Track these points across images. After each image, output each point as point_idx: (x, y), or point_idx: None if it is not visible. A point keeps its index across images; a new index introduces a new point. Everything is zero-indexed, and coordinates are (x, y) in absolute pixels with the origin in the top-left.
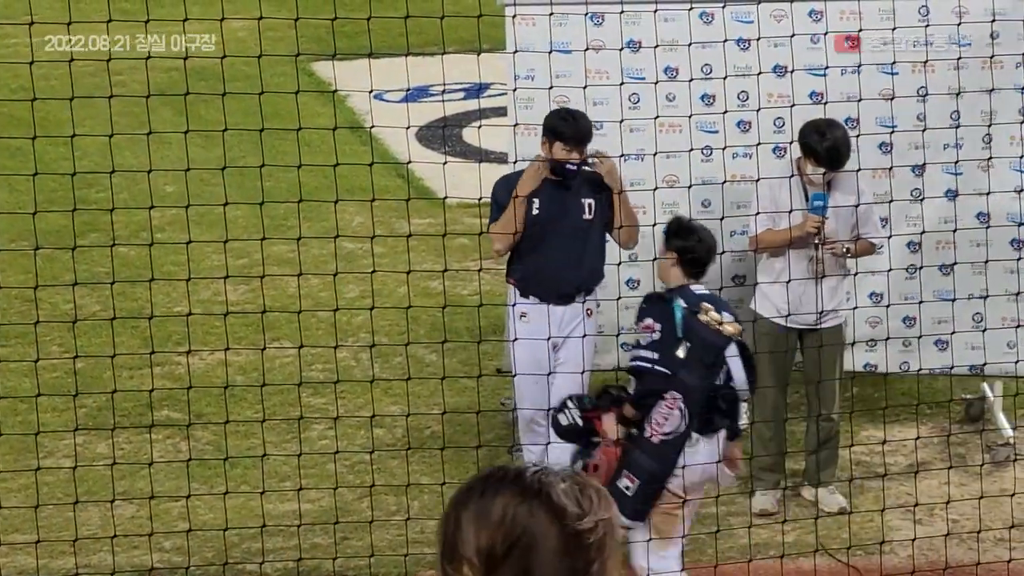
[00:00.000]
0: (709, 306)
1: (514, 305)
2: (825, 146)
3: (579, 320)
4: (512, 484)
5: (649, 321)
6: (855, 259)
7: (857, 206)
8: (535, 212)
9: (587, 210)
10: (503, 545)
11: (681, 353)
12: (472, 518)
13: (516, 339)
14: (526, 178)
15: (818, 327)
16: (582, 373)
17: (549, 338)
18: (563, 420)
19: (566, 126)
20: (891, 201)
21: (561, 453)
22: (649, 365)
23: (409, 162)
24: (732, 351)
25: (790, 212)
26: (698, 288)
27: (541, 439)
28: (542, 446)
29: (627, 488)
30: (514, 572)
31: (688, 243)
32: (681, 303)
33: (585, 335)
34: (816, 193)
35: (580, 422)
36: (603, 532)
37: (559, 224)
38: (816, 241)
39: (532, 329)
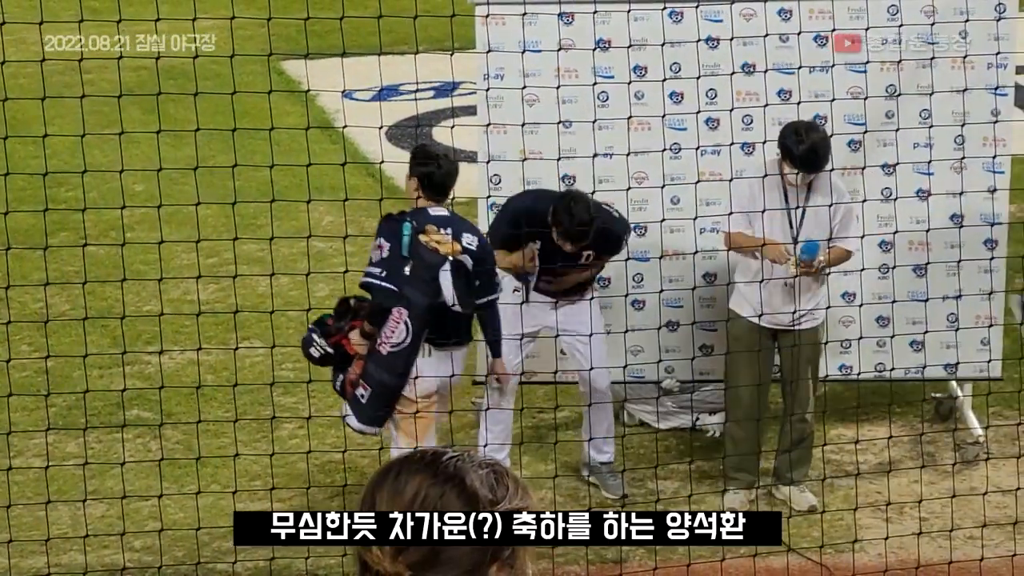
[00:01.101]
0: (433, 227)
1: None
2: (802, 149)
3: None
4: (427, 467)
5: (380, 240)
6: (829, 267)
7: (831, 205)
8: (536, 250)
9: (584, 258)
10: None
11: (407, 271)
12: (385, 498)
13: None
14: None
15: (795, 328)
16: (591, 336)
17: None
18: (315, 353)
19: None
20: (864, 200)
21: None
22: (377, 281)
23: (382, 162)
24: (445, 268)
25: (763, 212)
26: (437, 210)
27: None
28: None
29: (361, 396)
30: (422, 555)
31: (428, 168)
32: (411, 224)
33: (593, 297)
34: (808, 243)
35: (331, 349)
36: None
37: (555, 262)
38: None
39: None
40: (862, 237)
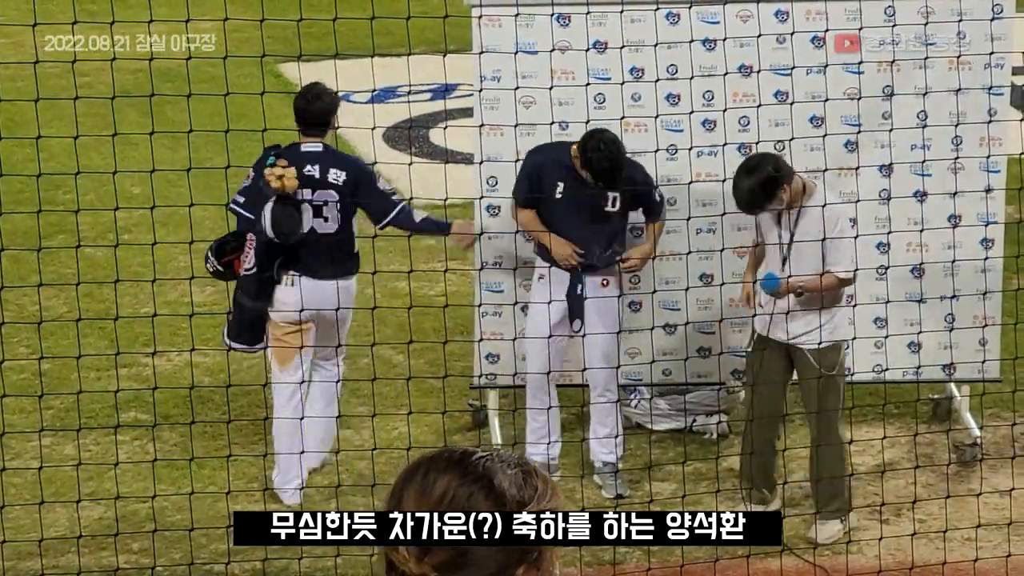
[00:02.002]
0: (282, 161)
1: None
2: (736, 195)
3: (596, 289)
4: (456, 466)
5: (251, 169)
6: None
7: (822, 240)
8: (557, 195)
9: (611, 202)
10: None
11: (264, 199)
12: (414, 497)
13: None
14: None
15: (799, 344)
16: (617, 333)
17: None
18: (209, 268)
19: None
20: (858, 201)
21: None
22: (237, 208)
23: (374, 163)
24: (271, 202)
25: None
26: (310, 145)
27: (544, 412)
28: (544, 416)
29: (229, 315)
30: (448, 556)
31: (299, 103)
32: (273, 157)
33: (616, 295)
34: (767, 279)
35: (221, 267)
36: None
37: (580, 209)
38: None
39: (548, 292)
40: (856, 237)
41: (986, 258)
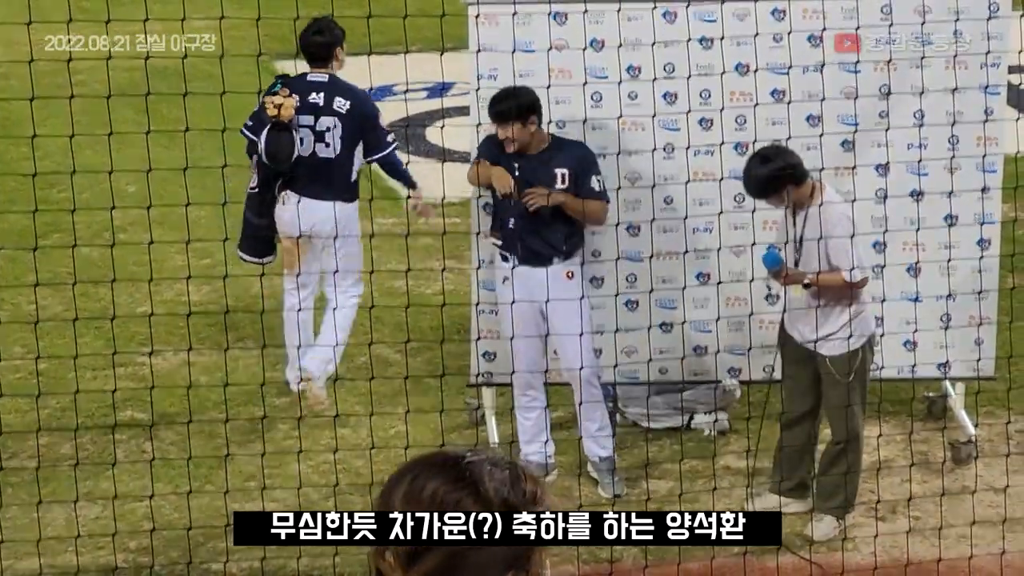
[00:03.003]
0: (284, 90)
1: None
2: (744, 179)
3: (561, 283)
4: (445, 470)
5: (261, 96)
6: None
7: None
8: (515, 175)
9: (560, 179)
10: None
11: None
12: (402, 500)
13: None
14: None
15: (816, 350)
16: (581, 335)
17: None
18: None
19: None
20: (854, 200)
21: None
22: (245, 131)
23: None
24: (268, 127)
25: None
26: (316, 75)
27: (534, 410)
28: (534, 414)
29: (243, 228)
30: (437, 564)
31: (304, 38)
32: (279, 84)
33: (582, 296)
34: (768, 253)
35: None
36: None
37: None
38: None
39: (516, 292)
40: (852, 236)
41: (982, 257)
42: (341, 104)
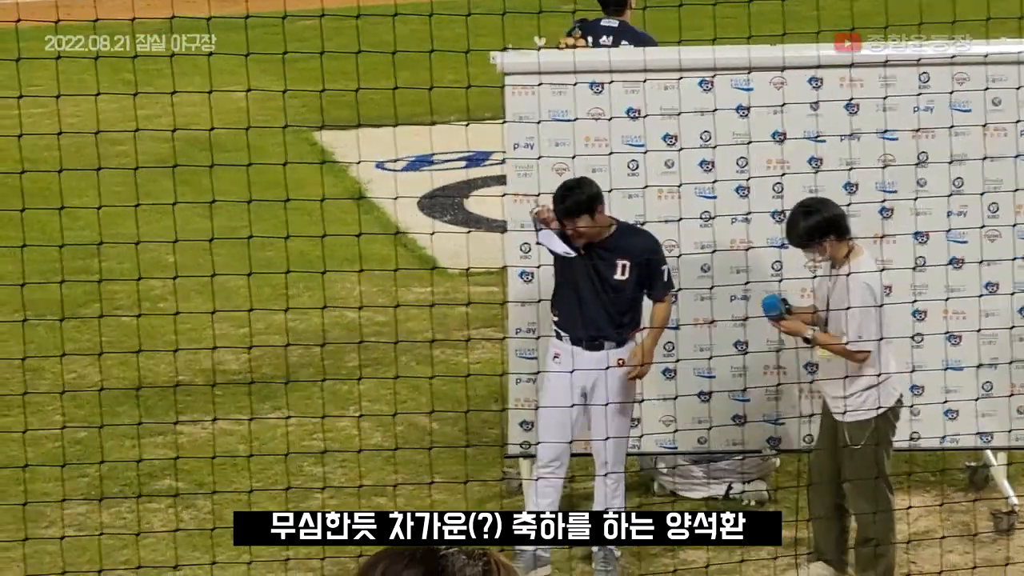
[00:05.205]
0: (577, 32)
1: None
2: (786, 227)
3: (609, 367)
4: (421, 562)
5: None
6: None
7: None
8: (572, 265)
9: (620, 271)
10: None
11: None
12: None
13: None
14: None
15: (840, 417)
16: (623, 403)
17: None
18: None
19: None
20: (882, 269)
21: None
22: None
23: (397, 232)
24: None
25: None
26: (608, 21)
27: (548, 496)
28: (551, 499)
29: None
30: None
31: None
32: (576, 25)
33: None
34: (768, 298)
35: None
36: None
37: (591, 276)
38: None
39: (563, 369)
40: (880, 306)
41: (1014, 327)
42: (606, 41)
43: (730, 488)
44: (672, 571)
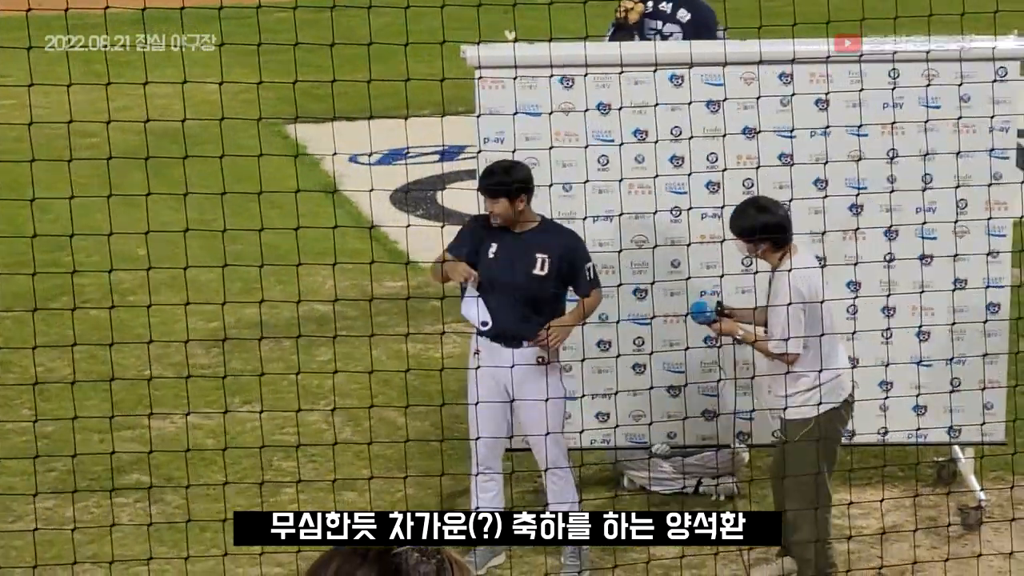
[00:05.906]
0: None
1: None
2: (732, 215)
3: (531, 365)
4: (373, 562)
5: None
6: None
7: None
8: (490, 256)
9: (539, 265)
10: None
11: None
12: None
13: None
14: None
15: (780, 413)
16: (552, 399)
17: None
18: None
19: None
20: (857, 263)
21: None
22: None
23: (372, 226)
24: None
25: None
26: None
27: (489, 491)
28: (492, 493)
29: None
30: None
31: None
32: None
33: (549, 362)
34: (696, 304)
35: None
36: None
37: (507, 273)
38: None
39: (486, 363)
40: (855, 298)
41: (986, 321)
42: (683, 15)
43: (700, 483)
44: (645, 561)
